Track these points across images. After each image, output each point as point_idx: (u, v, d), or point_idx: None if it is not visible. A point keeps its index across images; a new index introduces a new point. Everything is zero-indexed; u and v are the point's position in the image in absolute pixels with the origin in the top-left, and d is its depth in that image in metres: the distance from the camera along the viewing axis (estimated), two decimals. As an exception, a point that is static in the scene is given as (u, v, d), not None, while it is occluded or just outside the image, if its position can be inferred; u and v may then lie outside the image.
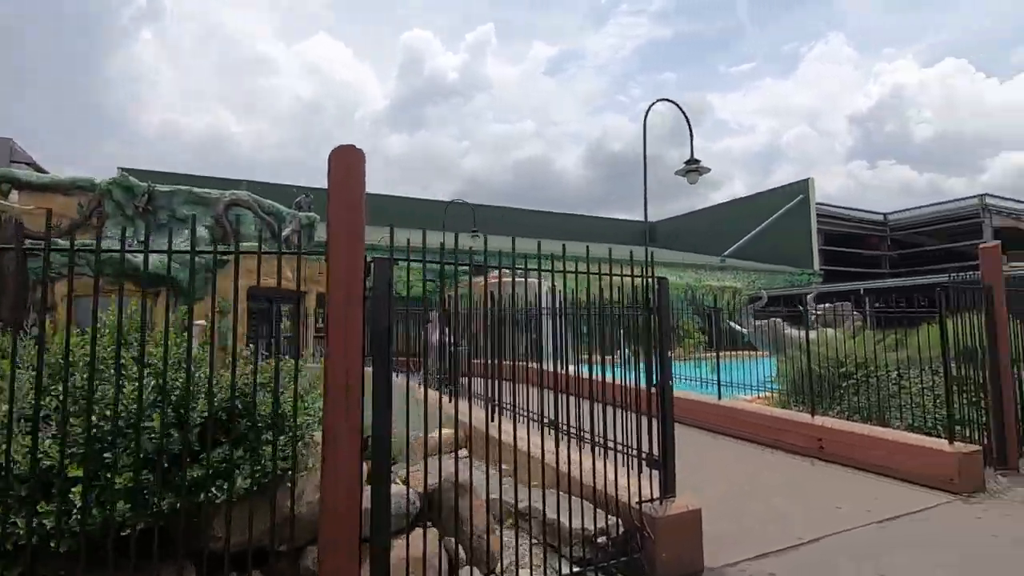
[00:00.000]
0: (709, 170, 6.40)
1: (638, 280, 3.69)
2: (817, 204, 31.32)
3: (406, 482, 3.32)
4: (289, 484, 2.51)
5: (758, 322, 12.84)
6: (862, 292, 23.08)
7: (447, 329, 7.19)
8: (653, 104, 8.46)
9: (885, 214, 34.42)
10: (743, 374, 8.05)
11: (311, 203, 16.77)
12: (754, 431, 6.35)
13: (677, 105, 7.88)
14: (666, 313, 3.63)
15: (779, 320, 11.62)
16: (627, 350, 3.74)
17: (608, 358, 3.77)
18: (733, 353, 9.22)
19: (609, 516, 3.38)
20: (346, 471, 2.40)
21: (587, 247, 3.68)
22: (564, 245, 3.63)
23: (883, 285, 24.47)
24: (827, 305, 12.10)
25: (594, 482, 3.56)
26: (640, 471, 3.56)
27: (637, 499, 3.36)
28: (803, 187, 31.45)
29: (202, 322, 4.19)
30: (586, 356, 3.99)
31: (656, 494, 3.47)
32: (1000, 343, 5.17)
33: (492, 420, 4.78)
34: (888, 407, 6.04)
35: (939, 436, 4.96)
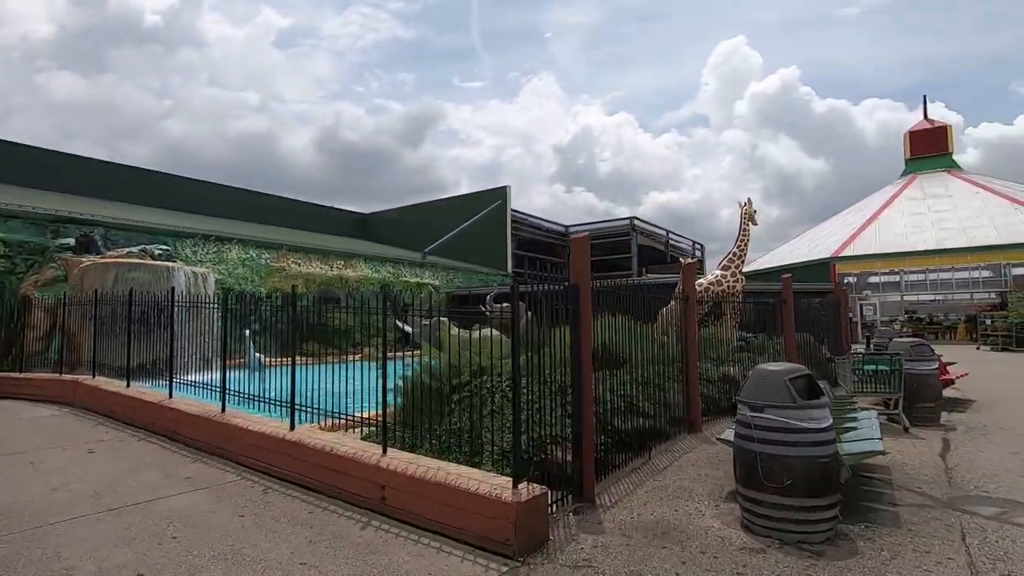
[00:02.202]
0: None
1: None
2: (512, 211, 33.61)
3: None
4: None
5: (426, 321, 11.86)
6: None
7: None
8: None
9: (567, 226, 39.19)
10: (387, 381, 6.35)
11: None
12: (319, 476, 4.55)
13: None
14: None
15: (444, 319, 10.66)
16: None
17: None
18: (402, 354, 7.72)
19: None
20: None
21: None
22: None
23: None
24: (505, 304, 11.68)
25: None
26: None
27: None
28: (502, 193, 33.38)
29: None
30: None
31: None
32: (583, 346, 4.37)
33: None
34: (488, 428, 4.91)
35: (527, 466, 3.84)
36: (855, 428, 4.60)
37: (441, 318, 10.58)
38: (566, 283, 4.48)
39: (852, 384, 6.93)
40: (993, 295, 28.56)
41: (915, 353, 6.96)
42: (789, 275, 9.68)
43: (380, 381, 4.53)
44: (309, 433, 4.94)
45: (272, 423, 5.36)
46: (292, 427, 5.09)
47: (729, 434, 4.66)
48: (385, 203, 39.04)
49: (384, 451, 4.31)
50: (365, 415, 5.15)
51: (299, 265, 21.33)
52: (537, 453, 4.62)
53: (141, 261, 13.52)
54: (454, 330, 10.60)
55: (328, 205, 38.69)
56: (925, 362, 6.95)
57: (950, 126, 36.84)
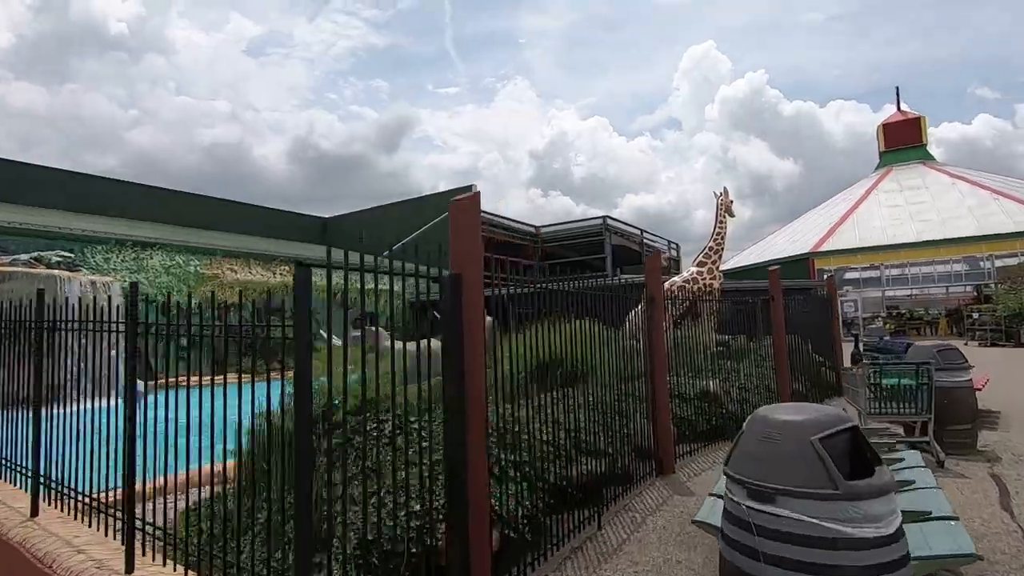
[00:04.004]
0: None
1: None
2: (481, 212, 31.88)
3: None
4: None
5: (356, 332, 10.09)
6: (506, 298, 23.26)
7: None
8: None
9: (537, 227, 37.55)
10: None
11: None
12: (39, 604, 2.73)
13: None
14: None
15: (382, 330, 8.83)
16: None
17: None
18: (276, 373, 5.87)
19: None
20: None
21: None
22: None
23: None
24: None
25: None
26: None
27: None
28: (467, 193, 31.66)
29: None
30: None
31: None
32: (471, 377, 2.65)
33: None
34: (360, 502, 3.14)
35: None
36: (914, 498, 2.93)
37: (377, 328, 8.77)
38: (444, 275, 2.76)
39: (868, 403, 5.33)
40: (969, 288, 27.75)
41: (943, 361, 5.40)
42: (777, 268, 8.13)
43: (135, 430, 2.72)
44: (48, 525, 3.10)
45: (19, 503, 3.50)
46: (34, 512, 3.25)
47: (710, 509, 2.98)
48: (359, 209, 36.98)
49: (128, 569, 2.51)
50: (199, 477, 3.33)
51: (236, 272, 19.22)
52: (425, 537, 2.91)
53: (17, 269, 11.46)
54: (386, 342, 8.86)
55: (281, 209, 36.36)
56: (956, 372, 5.40)
57: (924, 117, 36.22)
